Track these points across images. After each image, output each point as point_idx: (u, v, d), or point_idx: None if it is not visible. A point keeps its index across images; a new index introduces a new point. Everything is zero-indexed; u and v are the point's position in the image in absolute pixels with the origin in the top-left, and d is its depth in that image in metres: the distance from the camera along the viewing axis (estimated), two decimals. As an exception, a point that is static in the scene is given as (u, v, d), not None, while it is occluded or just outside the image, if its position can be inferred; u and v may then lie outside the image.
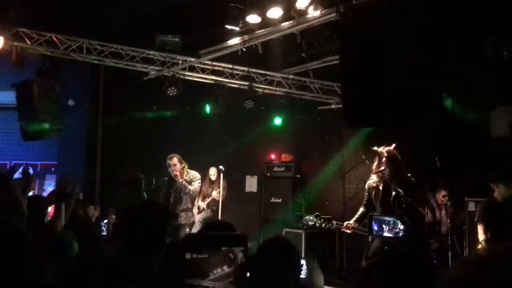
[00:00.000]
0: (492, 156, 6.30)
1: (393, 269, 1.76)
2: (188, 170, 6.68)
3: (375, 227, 3.20)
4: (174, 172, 6.55)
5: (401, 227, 3.10)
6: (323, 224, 5.34)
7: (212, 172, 8.47)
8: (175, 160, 6.60)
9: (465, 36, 5.59)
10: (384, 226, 3.20)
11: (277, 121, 9.14)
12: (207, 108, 8.77)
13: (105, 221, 6.75)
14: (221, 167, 7.57)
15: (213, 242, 1.04)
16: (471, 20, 5.62)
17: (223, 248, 0.99)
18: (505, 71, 6.04)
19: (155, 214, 2.20)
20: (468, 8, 5.19)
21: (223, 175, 7.70)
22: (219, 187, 7.93)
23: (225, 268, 0.97)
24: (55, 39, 7.19)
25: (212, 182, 8.49)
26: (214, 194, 8.18)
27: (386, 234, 3.15)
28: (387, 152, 5.07)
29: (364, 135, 8.17)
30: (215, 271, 0.97)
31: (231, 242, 1.01)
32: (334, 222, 5.44)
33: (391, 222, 3.16)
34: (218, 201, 7.95)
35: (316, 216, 5.55)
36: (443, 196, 7.04)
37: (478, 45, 6.05)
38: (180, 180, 6.56)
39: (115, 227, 6.15)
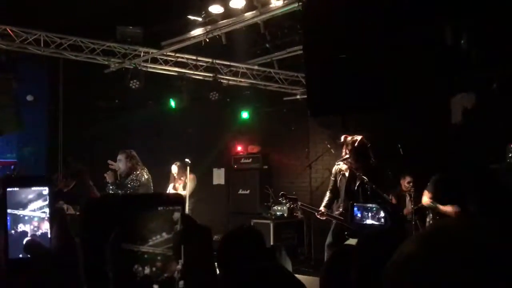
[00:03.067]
0: (452, 142, 6.48)
1: (374, 248, 1.76)
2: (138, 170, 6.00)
3: (358, 215, 3.22)
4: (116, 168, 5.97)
5: (383, 214, 3.14)
6: (287, 204, 5.35)
7: (174, 169, 7.90)
8: (120, 156, 6.06)
9: (424, 23, 5.68)
10: (367, 213, 3.22)
11: (244, 115, 9.11)
12: (172, 103, 8.61)
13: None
14: (187, 160, 7.47)
15: (148, 201, 1.00)
16: (431, 6, 5.72)
17: (159, 208, 0.95)
18: (464, 58, 6.19)
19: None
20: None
21: (190, 168, 7.60)
22: (183, 182, 7.75)
23: (164, 234, 0.94)
24: (10, 31, 6.91)
25: (175, 178, 7.96)
26: (180, 189, 7.88)
27: (369, 221, 3.18)
28: (353, 141, 5.13)
29: (329, 125, 8.24)
30: (154, 237, 0.93)
31: (166, 201, 0.98)
32: (299, 203, 5.47)
33: (374, 209, 3.19)
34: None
35: (282, 195, 5.55)
36: (408, 183, 7.19)
37: (438, 32, 6.16)
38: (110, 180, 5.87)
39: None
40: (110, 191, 5.78)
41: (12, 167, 8.58)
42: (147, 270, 0.92)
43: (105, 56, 7.59)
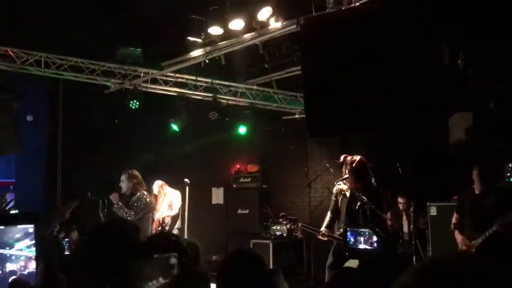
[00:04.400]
0: (451, 161, 6.50)
1: (369, 271, 1.78)
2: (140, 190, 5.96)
3: (352, 239, 3.22)
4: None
5: (375, 238, 3.13)
6: (288, 225, 5.33)
7: (154, 187, 7.40)
8: (122, 176, 6.02)
9: (421, 44, 5.76)
10: (359, 237, 3.22)
11: (242, 130, 9.11)
12: (174, 127, 8.61)
13: (67, 239, 6.53)
14: (186, 180, 7.46)
15: (144, 250, 1.01)
16: (428, 28, 5.80)
17: (155, 256, 0.96)
18: (461, 78, 6.26)
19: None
20: (424, 16, 5.36)
21: (188, 188, 7.57)
22: (163, 202, 7.36)
23: (161, 279, 0.95)
24: (11, 53, 6.97)
25: (155, 197, 7.28)
26: (162, 211, 7.33)
27: (362, 246, 3.17)
28: (352, 161, 5.14)
29: (328, 144, 8.28)
30: (150, 284, 0.94)
31: (163, 249, 0.99)
32: (300, 224, 5.46)
33: (366, 233, 3.19)
34: (175, 216, 7.48)
35: (282, 216, 5.54)
36: (399, 203, 7.18)
37: (435, 53, 6.24)
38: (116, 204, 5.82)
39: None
40: (118, 213, 5.75)
41: (8, 198, 8.55)
42: None
43: (105, 76, 7.64)
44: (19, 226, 0.76)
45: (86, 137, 8.98)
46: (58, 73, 7.41)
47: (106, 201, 6.22)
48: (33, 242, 0.76)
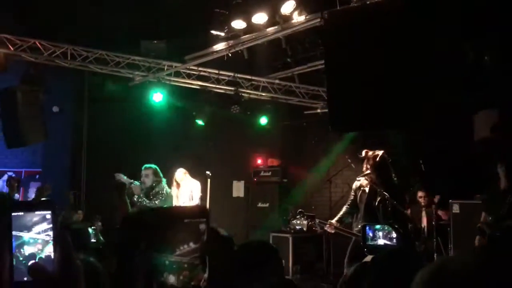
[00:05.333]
0: (475, 158, 6.40)
1: (384, 267, 1.78)
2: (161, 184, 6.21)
3: (370, 234, 3.22)
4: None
5: (394, 234, 3.12)
6: (304, 222, 5.32)
7: (178, 174, 7.42)
8: (146, 171, 6.21)
9: (447, 40, 5.67)
10: (378, 233, 3.21)
11: (263, 120, 9.10)
12: (199, 122, 8.72)
13: (93, 227, 6.71)
14: (208, 172, 7.53)
15: (175, 214, 1.05)
16: (453, 24, 5.71)
17: (185, 220, 0.99)
18: (487, 75, 6.15)
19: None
20: (449, 13, 5.27)
21: (210, 180, 7.63)
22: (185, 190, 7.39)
23: (191, 244, 0.98)
24: (39, 45, 7.12)
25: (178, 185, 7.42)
26: (183, 201, 7.35)
27: (381, 241, 3.17)
28: (374, 157, 5.10)
29: (349, 139, 8.22)
30: (181, 247, 0.98)
31: (192, 214, 1.02)
32: (317, 220, 5.44)
33: (386, 229, 3.18)
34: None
35: (300, 213, 5.54)
36: (419, 197, 7.11)
37: (460, 50, 6.14)
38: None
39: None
40: (138, 203, 5.96)
41: (38, 184, 8.76)
42: (175, 279, 0.96)
43: (130, 69, 7.75)
44: (37, 212, 0.80)
45: (110, 128, 9.14)
46: (84, 65, 7.54)
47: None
48: (50, 226, 0.79)
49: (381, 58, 4.14)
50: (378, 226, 3.27)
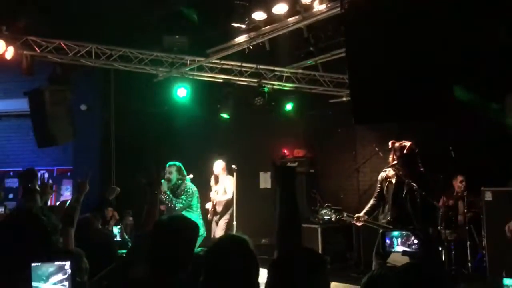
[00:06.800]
0: (508, 144, 6.19)
1: (401, 280, 1.74)
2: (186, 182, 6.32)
3: (388, 241, 3.18)
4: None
5: (415, 240, 3.08)
6: (332, 216, 5.29)
7: (217, 166, 7.80)
8: (171, 168, 6.30)
9: (474, 23, 5.47)
10: (397, 239, 3.17)
11: (289, 106, 9.02)
12: (224, 115, 8.76)
13: (119, 225, 6.80)
14: (233, 166, 7.54)
15: None
16: (482, 5, 5.51)
17: None
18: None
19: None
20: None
21: (236, 173, 7.64)
22: (221, 183, 7.72)
23: None
24: (63, 45, 7.22)
25: (216, 177, 7.82)
26: (212, 195, 7.74)
27: (398, 248, 3.13)
28: (401, 147, 4.99)
29: (377, 128, 8.07)
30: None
31: None
32: (345, 214, 5.39)
33: (404, 235, 3.13)
34: (229, 200, 7.64)
35: (327, 207, 5.51)
36: (460, 182, 6.96)
37: (491, 31, 5.92)
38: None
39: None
40: (165, 200, 6.05)
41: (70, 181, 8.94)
42: None
43: (153, 65, 7.79)
44: (56, 263, 0.80)
45: (137, 124, 9.26)
46: (108, 63, 7.63)
47: None
48: (66, 276, 0.79)
49: (404, 45, 4.01)
50: (396, 233, 3.23)
